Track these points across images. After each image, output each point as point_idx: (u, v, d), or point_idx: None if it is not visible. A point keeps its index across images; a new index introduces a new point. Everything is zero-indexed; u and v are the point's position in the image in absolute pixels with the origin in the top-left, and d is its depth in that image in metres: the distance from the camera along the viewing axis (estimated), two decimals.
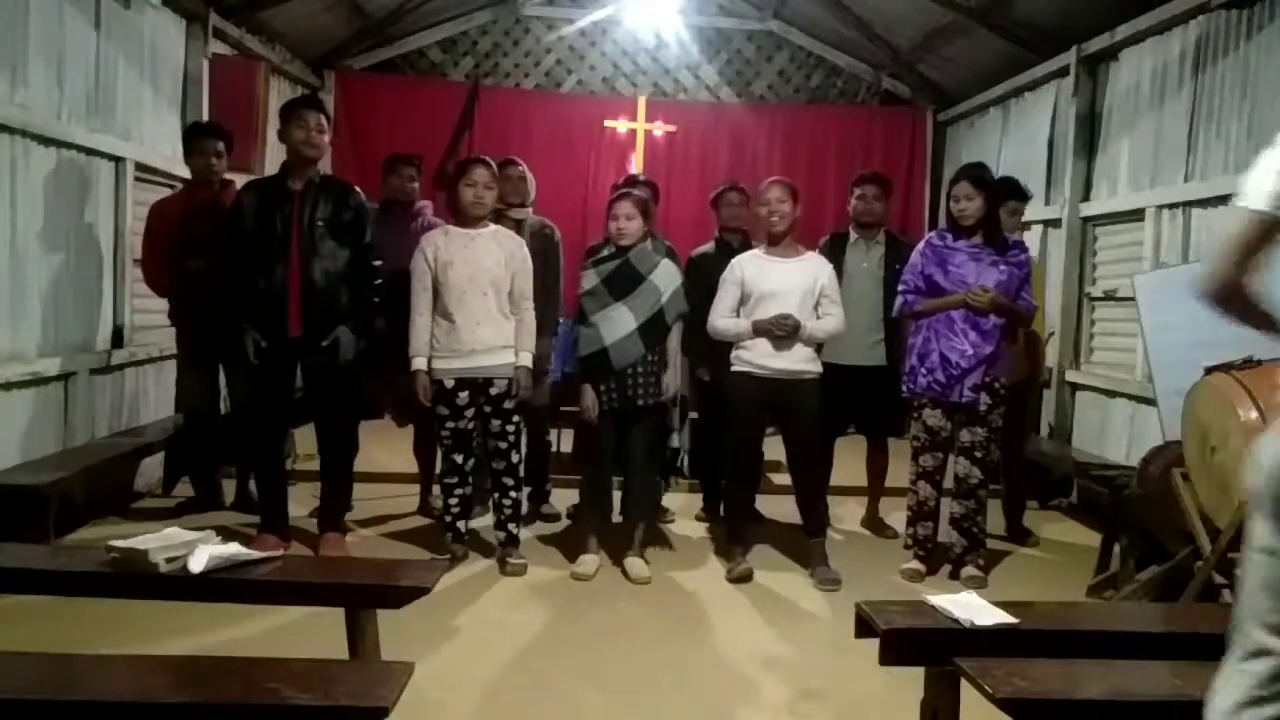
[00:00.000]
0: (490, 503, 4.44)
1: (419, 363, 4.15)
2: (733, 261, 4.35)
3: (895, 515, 4.94)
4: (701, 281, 4.63)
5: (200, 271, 4.58)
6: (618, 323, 4.18)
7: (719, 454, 5.17)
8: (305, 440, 4.58)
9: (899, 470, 4.67)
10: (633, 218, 4.22)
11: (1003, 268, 4.17)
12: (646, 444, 4.28)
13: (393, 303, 4.36)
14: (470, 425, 4.23)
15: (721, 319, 4.26)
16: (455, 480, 4.27)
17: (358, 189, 4.35)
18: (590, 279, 4.24)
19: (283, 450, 4.40)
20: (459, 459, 4.25)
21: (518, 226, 4.64)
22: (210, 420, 4.93)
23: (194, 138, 4.85)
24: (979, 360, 4.11)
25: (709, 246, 5.07)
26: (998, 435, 4.31)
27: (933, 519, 4.35)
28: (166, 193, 5.57)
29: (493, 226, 4.31)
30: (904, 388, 4.34)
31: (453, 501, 4.29)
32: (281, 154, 6.82)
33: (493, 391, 4.19)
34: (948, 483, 4.32)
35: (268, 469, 4.34)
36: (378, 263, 4.29)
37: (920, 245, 4.36)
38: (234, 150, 5.00)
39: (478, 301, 4.14)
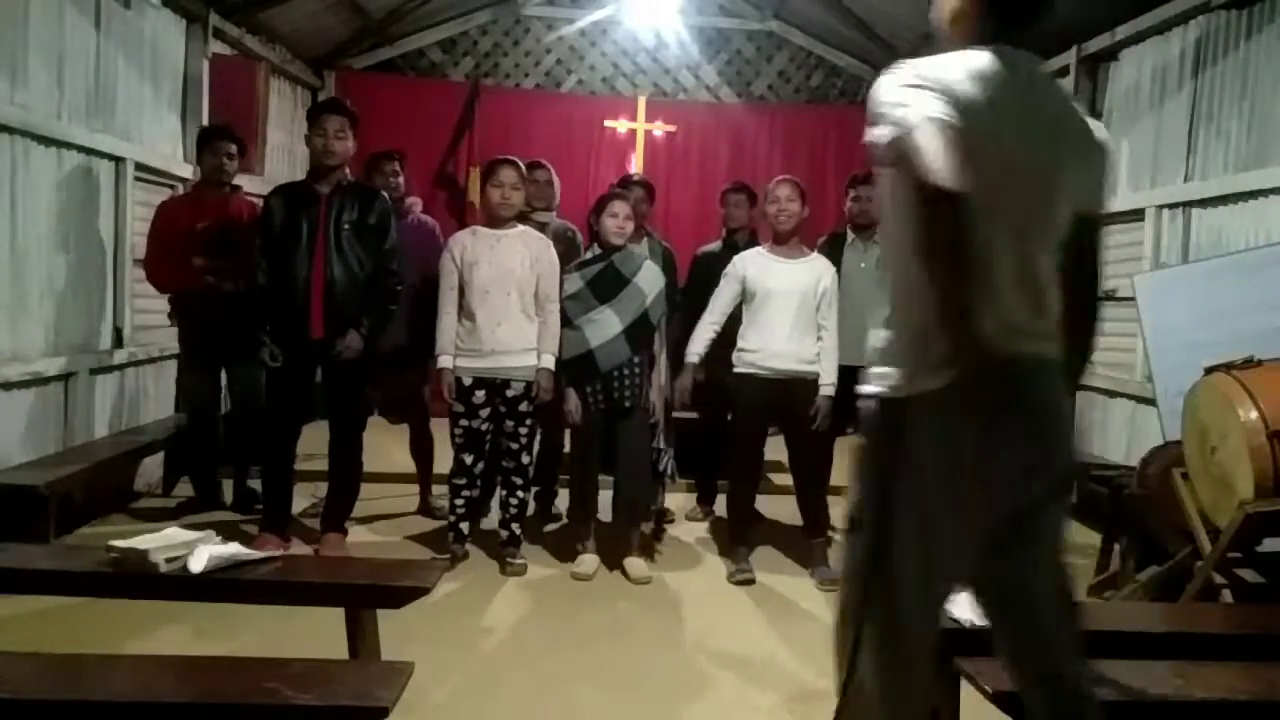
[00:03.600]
0: (499, 500, 4.43)
1: (444, 360, 4.17)
2: (736, 258, 4.34)
3: None
4: (706, 279, 4.62)
5: (204, 271, 4.62)
6: (603, 325, 4.17)
7: (717, 453, 5.18)
8: (305, 440, 4.57)
9: None
10: (630, 219, 4.23)
11: None
12: (634, 444, 4.27)
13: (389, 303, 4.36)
14: (484, 426, 4.23)
15: (710, 319, 4.25)
16: (464, 481, 4.27)
17: (384, 194, 4.36)
18: (574, 282, 4.22)
19: (294, 452, 4.39)
20: (468, 459, 4.24)
21: (541, 229, 4.64)
22: (211, 420, 4.93)
23: (208, 139, 4.88)
24: None
25: (715, 245, 5.07)
26: None
27: None
28: (168, 193, 5.59)
29: (520, 227, 4.31)
30: None
31: (459, 502, 4.29)
32: (283, 155, 6.84)
33: (509, 393, 4.19)
34: None
35: (277, 470, 4.33)
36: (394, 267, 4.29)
37: None
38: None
39: (501, 302, 4.15)
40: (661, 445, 4.51)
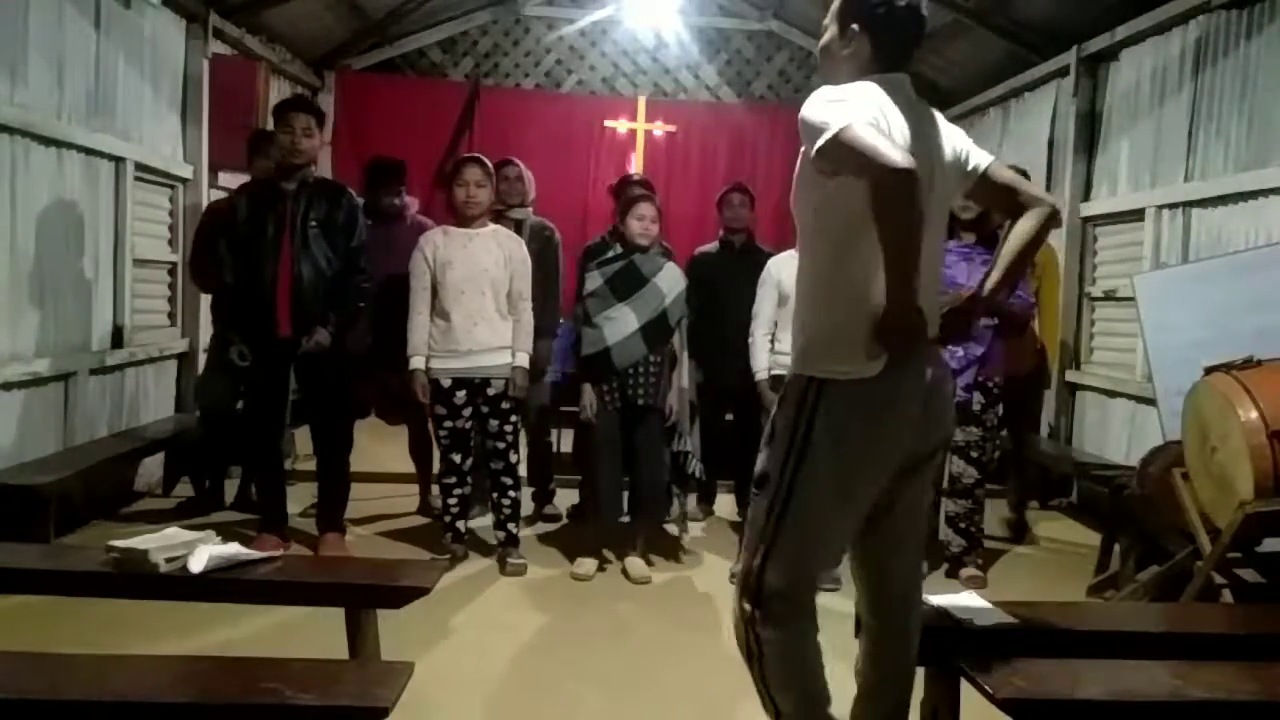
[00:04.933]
0: (489, 503, 4.44)
1: (417, 361, 4.16)
2: (769, 263, 4.32)
3: None
4: (702, 280, 4.62)
5: None
6: (620, 323, 4.17)
7: (717, 453, 5.16)
8: (305, 440, 4.58)
9: None
10: (655, 220, 4.23)
11: None
12: (650, 444, 4.27)
13: (387, 304, 4.36)
14: (468, 425, 4.24)
15: (762, 331, 4.24)
16: (454, 480, 4.28)
17: (351, 190, 4.36)
18: (594, 280, 4.23)
19: (281, 450, 4.39)
20: (457, 458, 4.25)
21: (517, 227, 4.63)
22: (224, 420, 4.92)
23: (259, 143, 4.89)
24: (970, 360, 4.11)
25: (712, 246, 5.07)
26: (993, 434, 4.30)
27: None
28: (168, 192, 5.60)
29: (492, 226, 4.32)
30: None
31: (451, 501, 4.30)
32: None
33: (490, 392, 4.19)
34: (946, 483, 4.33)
35: (266, 469, 4.34)
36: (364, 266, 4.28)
37: None
38: (234, 151, 5.02)
39: (475, 301, 4.15)
40: (688, 448, 4.45)
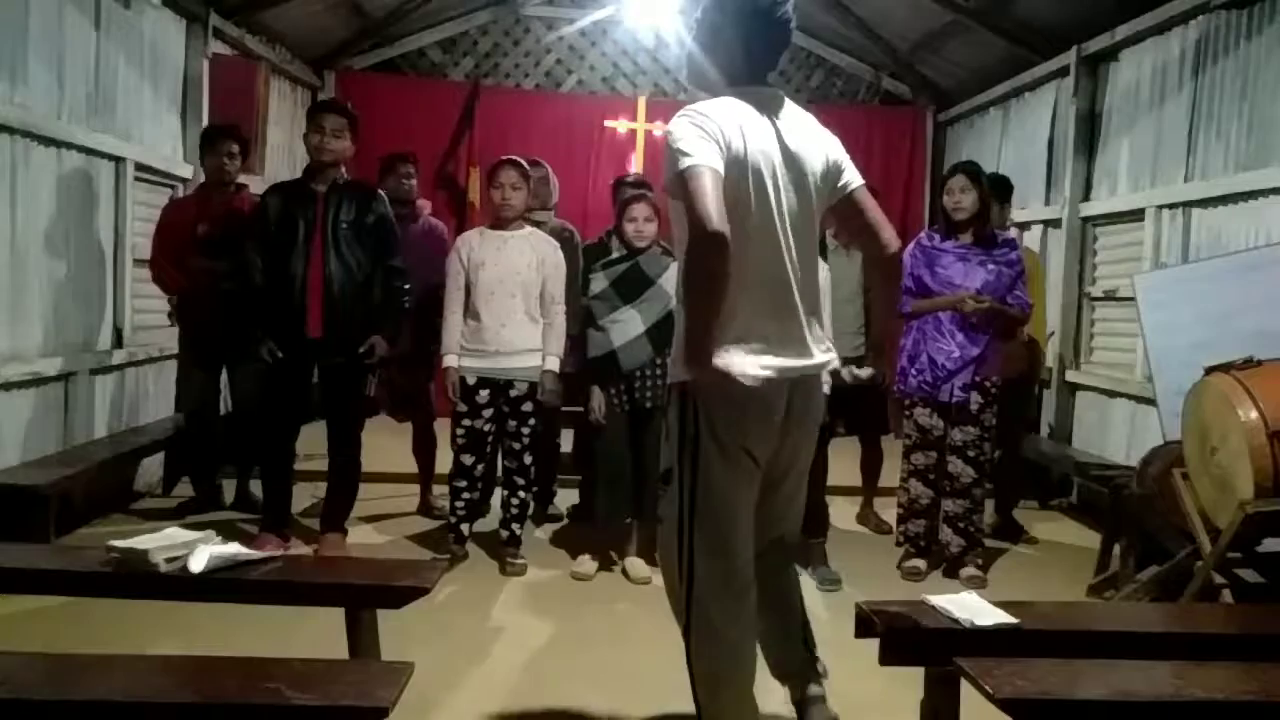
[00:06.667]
0: (498, 500, 4.42)
1: (450, 360, 4.18)
2: None
3: (890, 514, 4.93)
4: None
5: (206, 271, 4.62)
6: (627, 325, 4.15)
7: None
8: (305, 441, 4.57)
9: (894, 470, 4.65)
10: (651, 220, 4.20)
11: (990, 267, 4.19)
12: (656, 446, 4.25)
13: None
14: (487, 427, 4.24)
15: None
16: (464, 484, 4.27)
17: (382, 193, 4.36)
18: (599, 282, 4.21)
19: (293, 452, 4.39)
20: (469, 460, 4.24)
21: (538, 229, 4.64)
22: (210, 420, 4.93)
23: (210, 139, 4.88)
24: (966, 361, 4.12)
25: None
26: (992, 434, 4.31)
27: (926, 516, 4.34)
28: (168, 193, 5.60)
29: (528, 229, 4.33)
30: (896, 388, 4.35)
31: (459, 504, 4.29)
32: (283, 155, 6.84)
33: (513, 393, 4.20)
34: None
35: (277, 470, 4.33)
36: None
37: (909, 246, 4.36)
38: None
39: (506, 303, 4.16)
40: None
